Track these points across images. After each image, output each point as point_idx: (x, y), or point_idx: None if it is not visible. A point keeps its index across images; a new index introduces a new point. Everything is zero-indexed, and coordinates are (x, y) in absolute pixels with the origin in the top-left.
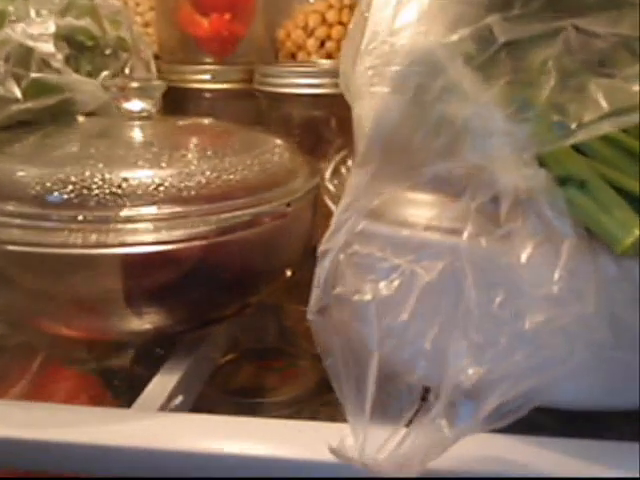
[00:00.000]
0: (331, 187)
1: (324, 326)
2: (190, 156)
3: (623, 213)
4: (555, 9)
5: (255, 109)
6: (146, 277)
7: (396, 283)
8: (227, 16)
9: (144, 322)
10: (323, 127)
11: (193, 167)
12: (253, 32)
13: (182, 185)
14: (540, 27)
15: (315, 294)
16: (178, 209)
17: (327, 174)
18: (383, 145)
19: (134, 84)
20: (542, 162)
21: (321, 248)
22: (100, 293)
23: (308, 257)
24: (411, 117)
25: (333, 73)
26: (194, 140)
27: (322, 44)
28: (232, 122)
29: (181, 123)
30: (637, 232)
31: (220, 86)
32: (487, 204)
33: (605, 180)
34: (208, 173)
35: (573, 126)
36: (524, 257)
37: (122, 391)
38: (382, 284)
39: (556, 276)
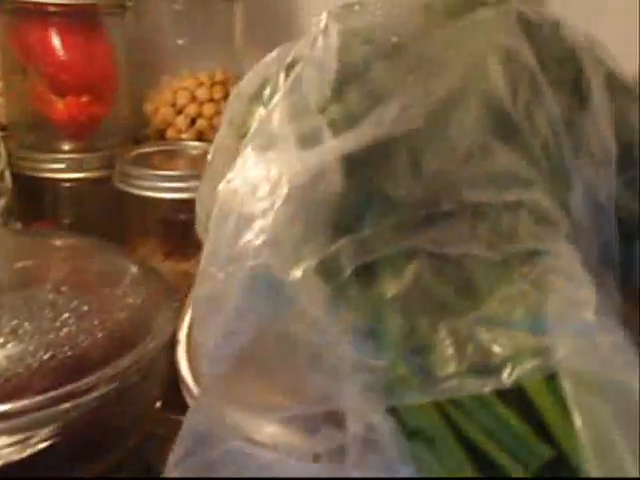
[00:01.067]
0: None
1: None
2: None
3: None
4: (408, 224)
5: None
6: None
7: None
8: (85, 98)
9: None
10: (188, 229)
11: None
12: (116, 111)
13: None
14: (390, 249)
15: None
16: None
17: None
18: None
19: None
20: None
21: None
22: None
23: None
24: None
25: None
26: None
27: (193, 122)
28: (92, 216)
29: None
30: None
31: (78, 175)
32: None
33: (461, 438)
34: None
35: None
36: None
37: None
38: None
39: None
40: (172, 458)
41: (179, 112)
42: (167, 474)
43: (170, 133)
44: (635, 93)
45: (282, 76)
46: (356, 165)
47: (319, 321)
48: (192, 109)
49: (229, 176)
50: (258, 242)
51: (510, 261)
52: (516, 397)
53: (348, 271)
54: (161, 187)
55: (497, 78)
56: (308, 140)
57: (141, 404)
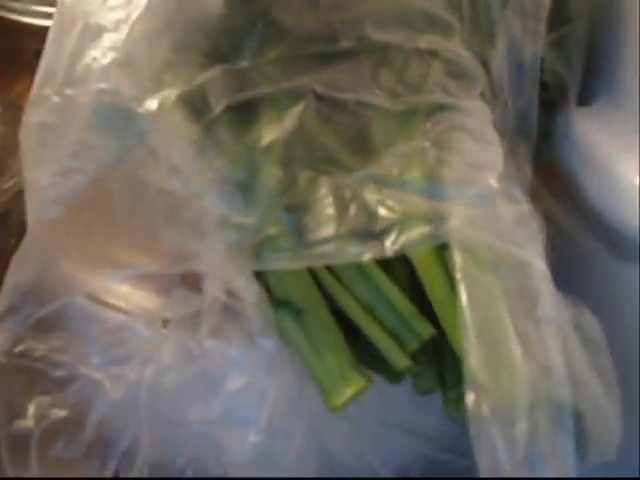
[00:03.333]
0: None
1: None
2: None
3: (338, 360)
4: (297, 59)
5: None
6: None
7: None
8: None
9: None
10: None
11: None
12: None
13: None
14: (272, 87)
15: None
16: None
17: None
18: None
19: None
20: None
21: None
22: None
23: None
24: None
25: None
26: None
27: None
28: None
29: None
30: (349, 391)
31: None
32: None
33: (335, 310)
34: None
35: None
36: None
37: None
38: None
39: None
40: None
41: None
42: None
43: None
44: None
45: None
46: None
47: (178, 166)
48: None
49: None
50: (106, 61)
51: (413, 114)
52: (402, 267)
53: (218, 109)
54: (39, 12)
55: None
56: None
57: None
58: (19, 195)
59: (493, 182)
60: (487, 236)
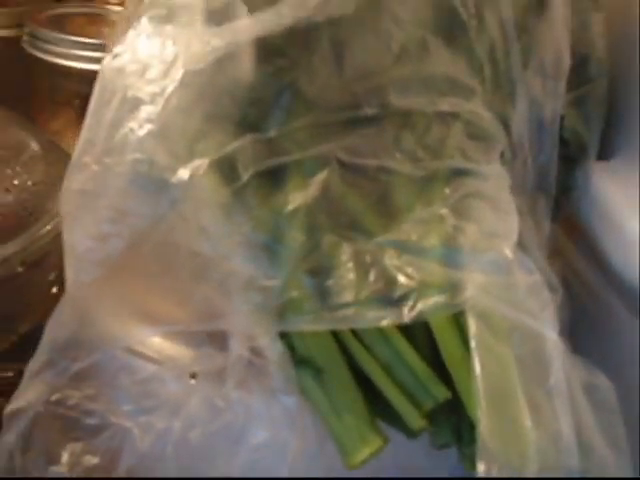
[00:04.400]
0: None
1: None
2: None
3: (356, 421)
4: (322, 127)
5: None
6: None
7: (101, 449)
8: None
9: None
10: None
11: None
12: None
13: None
14: (297, 154)
15: None
16: None
17: None
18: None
19: None
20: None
21: (8, 409)
22: None
23: None
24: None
25: None
26: None
27: None
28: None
29: None
30: (367, 451)
31: None
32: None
33: (355, 369)
34: None
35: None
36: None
37: None
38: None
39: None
40: (30, 368)
41: None
42: (22, 386)
43: None
44: (599, 0)
45: None
46: (270, 52)
47: (207, 230)
48: None
49: (116, 50)
50: (142, 132)
51: (433, 179)
52: (421, 329)
53: (247, 176)
54: (76, 55)
55: None
56: (218, 15)
57: (31, 292)
58: (57, 238)
59: (508, 252)
60: (501, 305)
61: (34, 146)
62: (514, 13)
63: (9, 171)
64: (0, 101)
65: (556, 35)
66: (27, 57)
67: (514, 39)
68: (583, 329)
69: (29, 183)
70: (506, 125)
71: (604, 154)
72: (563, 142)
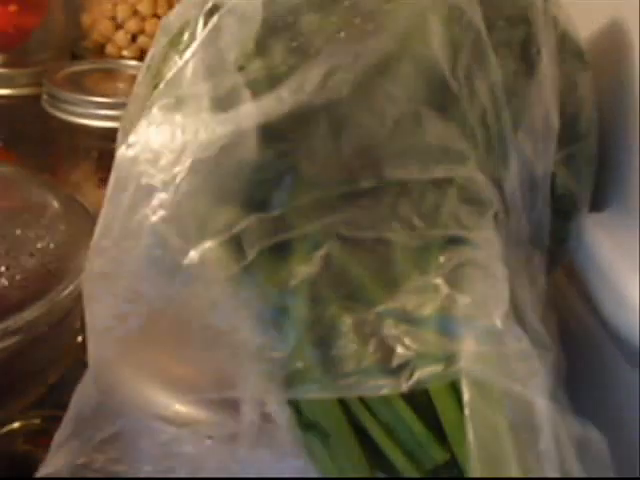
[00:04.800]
0: None
1: None
2: None
3: None
4: (323, 203)
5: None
6: None
7: None
8: (13, 8)
9: None
10: None
11: None
12: (49, 22)
13: None
14: (299, 232)
15: None
16: None
17: None
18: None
19: None
20: None
21: (37, 477)
22: None
23: None
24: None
25: None
26: None
27: (134, 38)
28: (20, 137)
29: None
30: None
31: (5, 92)
32: None
33: (360, 432)
34: None
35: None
36: None
37: None
38: None
39: None
40: (56, 439)
41: (119, 27)
42: (49, 455)
43: (109, 49)
44: (587, 60)
45: (200, 23)
46: (272, 136)
47: (218, 304)
48: (133, 25)
49: (130, 139)
50: (155, 218)
51: (428, 248)
52: (422, 393)
53: (253, 253)
54: (92, 114)
55: (437, 41)
56: (223, 102)
57: (56, 347)
58: (79, 298)
59: (498, 321)
60: (493, 374)
61: (55, 204)
62: (503, 78)
63: (32, 235)
64: (21, 157)
65: (545, 97)
66: (46, 115)
67: (504, 103)
68: (584, 375)
69: (51, 245)
70: (499, 186)
71: (597, 206)
72: (556, 198)
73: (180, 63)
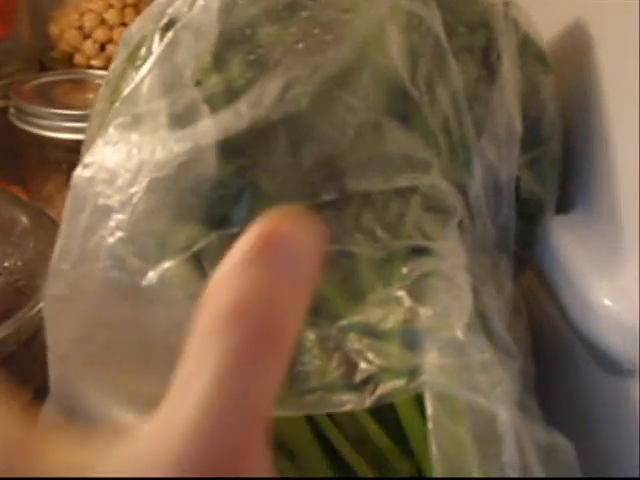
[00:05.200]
0: None
1: None
2: None
3: None
4: None
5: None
6: None
7: None
8: None
9: None
10: None
11: None
12: (16, 34)
13: None
14: None
15: None
16: None
17: None
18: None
19: None
20: None
21: None
22: None
23: None
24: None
25: None
26: None
27: (102, 47)
28: None
29: None
30: None
31: None
32: None
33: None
34: None
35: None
36: None
37: None
38: None
39: None
40: None
41: (87, 36)
42: None
43: (78, 59)
44: (549, 63)
45: (157, 38)
46: (231, 152)
47: (180, 323)
48: (101, 34)
49: (86, 160)
50: (113, 239)
51: (392, 259)
52: (388, 408)
53: (213, 271)
54: (61, 126)
55: (395, 50)
56: (181, 118)
57: (25, 367)
58: None
59: (460, 333)
60: (455, 387)
61: (24, 220)
62: (465, 84)
63: (0, 253)
64: None
65: (507, 102)
66: (14, 128)
67: (466, 109)
68: (556, 376)
69: (19, 263)
70: (464, 192)
71: (563, 208)
72: (521, 202)
73: (137, 79)
